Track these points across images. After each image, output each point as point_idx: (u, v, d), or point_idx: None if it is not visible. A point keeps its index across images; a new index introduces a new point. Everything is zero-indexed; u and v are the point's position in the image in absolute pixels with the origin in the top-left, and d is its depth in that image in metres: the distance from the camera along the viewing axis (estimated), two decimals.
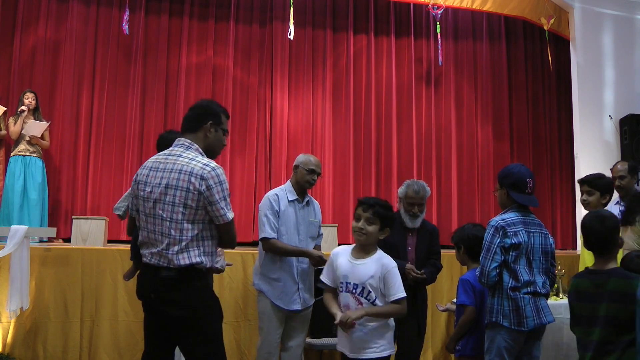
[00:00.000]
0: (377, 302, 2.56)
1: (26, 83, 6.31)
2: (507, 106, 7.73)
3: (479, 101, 7.63)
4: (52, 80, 6.49)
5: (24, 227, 4.15)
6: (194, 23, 6.95)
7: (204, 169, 2.37)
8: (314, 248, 3.71)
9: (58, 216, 6.25)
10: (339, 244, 5.58)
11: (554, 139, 7.85)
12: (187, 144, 2.46)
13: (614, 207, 4.24)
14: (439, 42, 7.16)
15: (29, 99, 5.78)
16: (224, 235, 2.48)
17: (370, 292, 2.55)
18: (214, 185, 2.36)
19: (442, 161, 7.42)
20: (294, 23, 6.43)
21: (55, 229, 4.71)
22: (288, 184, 3.73)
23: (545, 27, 7.15)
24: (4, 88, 6.33)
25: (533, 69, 7.88)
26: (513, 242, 2.85)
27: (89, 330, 4.27)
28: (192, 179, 2.35)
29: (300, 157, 3.75)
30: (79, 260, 4.34)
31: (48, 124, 5.82)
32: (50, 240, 5.35)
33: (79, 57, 6.56)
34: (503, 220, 2.92)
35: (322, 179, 6.99)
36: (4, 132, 5.82)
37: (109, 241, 5.18)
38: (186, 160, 2.40)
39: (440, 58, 7.16)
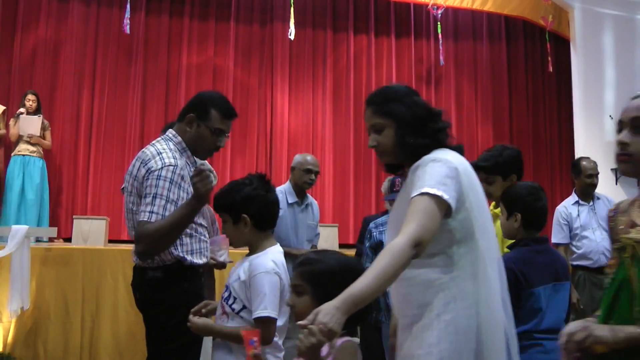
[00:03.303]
0: (244, 314, 1.93)
1: (26, 83, 6.31)
2: (507, 106, 7.73)
3: (479, 101, 7.64)
4: (53, 80, 6.49)
5: (24, 227, 4.16)
6: (194, 23, 6.96)
7: (156, 162, 2.13)
8: (310, 248, 3.71)
9: (59, 216, 6.25)
10: (340, 244, 5.59)
11: (554, 139, 7.86)
12: (171, 136, 2.27)
13: (572, 206, 4.16)
14: (440, 42, 7.16)
15: (29, 101, 5.78)
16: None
17: (235, 299, 1.95)
18: (148, 178, 2.10)
19: None
20: (294, 23, 6.44)
21: (55, 228, 4.71)
22: (288, 184, 3.73)
23: (546, 27, 7.16)
24: (4, 88, 6.33)
25: (533, 69, 7.88)
26: (375, 240, 3.18)
27: (90, 330, 4.27)
28: (143, 170, 2.15)
29: (297, 158, 3.75)
30: (80, 260, 4.34)
31: (40, 117, 5.79)
32: (50, 240, 5.35)
33: (79, 57, 6.56)
34: (374, 223, 3.27)
35: (322, 179, 7.00)
36: (3, 131, 5.83)
37: (110, 241, 5.19)
38: (152, 148, 2.22)
39: (441, 58, 7.16)
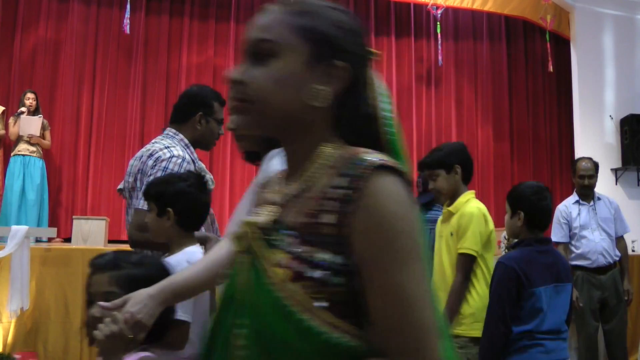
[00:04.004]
0: None
1: (26, 83, 6.31)
2: (507, 106, 7.73)
3: (479, 101, 7.64)
4: (53, 80, 6.49)
5: (24, 227, 4.15)
6: (194, 23, 6.96)
7: (164, 153, 2.15)
8: None
9: (58, 216, 6.25)
10: None
11: (554, 139, 7.86)
12: (172, 134, 2.29)
13: (573, 205, 4.15)
14: (440, 42, 7.16)
15: (29, 99, 5.78)
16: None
17: None
18: (157, 167, 2.13)
19: None
20: None
21: (55, 229, 4.71)
22: None
23: (546, 27, 7.16)
24: (4, 88, 6.33)
25: (533, 69, 7.88)
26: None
27: None
28: (148, 160, 2.17)
29: None
30: (80, 260, 4.33)
31: (41, 118, 5.79)
32: (50, 240, 5.35)
33: (79, 57, 6.56)
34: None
35: None
36: (2, 131, 5.83)
37: (110, 241, 5.18)
38: (158, 145, 2.23)
39: (440, 58, 7.16)
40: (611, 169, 6.79)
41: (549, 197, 2.27)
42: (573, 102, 7.15)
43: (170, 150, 2.17)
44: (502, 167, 7.55)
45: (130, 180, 2.27)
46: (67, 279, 4.28)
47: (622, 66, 7.03)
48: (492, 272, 2.33)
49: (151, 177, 2.12)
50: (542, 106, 7.88)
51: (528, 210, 2.24)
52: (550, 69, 7.26)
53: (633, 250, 6.05)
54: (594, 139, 6.86)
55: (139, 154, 2.31)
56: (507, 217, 2.34)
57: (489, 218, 2.52)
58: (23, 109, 5.72)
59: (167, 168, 2.12)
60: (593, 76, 6.98)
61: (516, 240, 2.33)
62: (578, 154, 6.86)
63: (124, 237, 6.01)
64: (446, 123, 7.49)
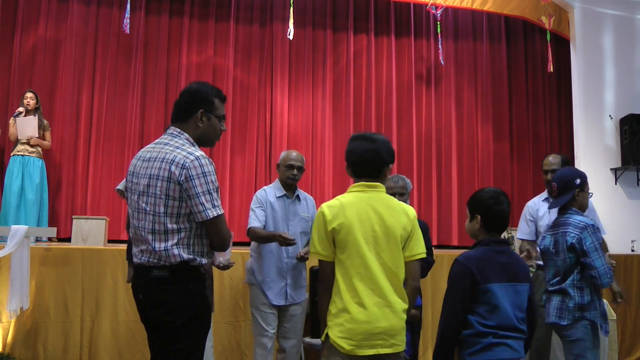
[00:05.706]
0: None
1: (26, 83, 6.31)
2: (507, 106, 7.73)
3: (479, 101, 7.63)
4: (52, 80, 6.49)
5: (24, 227, 4.16)
6: (194, 23, 6.96)
7: (187, 157, 2.15)
8: (306, 244, 3.70)
9: (58, 216, 6.25)
10: None
11: (554, 139, 7.85)
12: (177, 132, 2.29)
13: (542, 203, 3.88)
14: (440, 42, 7.16)
15: (27, 99, 5.77)
16: (210, 235, 2.22)
17: None
18: (194, 176, 2.13)
19: (442, 161, 7.42)
20: (294, 23, 6.44)
21: (55, 228, 4.71)
22: (276, 181, 3.81)
23: (546, 27, 7.16)
24: (4, 88, 6.33)
25: (533, 69, 7.88)
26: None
27: (89, 330, 4.27)
28: (172, 168, 2.15)
29: (282, 154, 3.84)
30: (79, 260, 4.34)
31: (36, 117, 5.76)
32: (49, 239, 5.35)
33: (79, 57, 6.56)
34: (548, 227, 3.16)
35: (322, 178, 7.00)
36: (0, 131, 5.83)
37: (109, 241, 5.19)
38: (170, 148, 2.22)
39: (441, 58, 7.16)
40: (611, 169, 6.79)
41: (505, 201, 2.38)
42: (573, 102, 7.16)
43: (190, 152, 2.18)
44: (502, 167, 7.55)
45: (141, 182, 2.24)
46: (66, 279, 4.29)
47: (622, 66, 7.03)
48: (352, 279, 2.21)
49: (198, 187, 2.13)
50: (542, 106, 7.88)
51: (485, 213, 2.36)
52: (550, 69, 7.25)
53: (632, 250, 6.06)
54: (593, 138, 6.86)
55: (147, 155, 2.29)
56: (467, 220, 2.45)
57: (334, 217, 2.25)
58: (21, 109, 5.71)
59: (205, 173, 2.16)
60: (593, 76, 6.98)
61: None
62: (578, 153, 6.87)
63: (124, 236, 6.03)
64: (446, 123, 7.48)
